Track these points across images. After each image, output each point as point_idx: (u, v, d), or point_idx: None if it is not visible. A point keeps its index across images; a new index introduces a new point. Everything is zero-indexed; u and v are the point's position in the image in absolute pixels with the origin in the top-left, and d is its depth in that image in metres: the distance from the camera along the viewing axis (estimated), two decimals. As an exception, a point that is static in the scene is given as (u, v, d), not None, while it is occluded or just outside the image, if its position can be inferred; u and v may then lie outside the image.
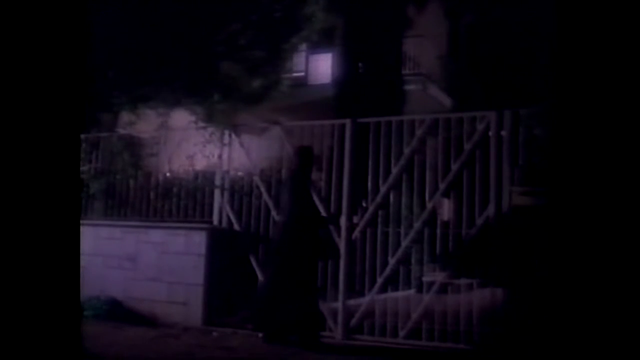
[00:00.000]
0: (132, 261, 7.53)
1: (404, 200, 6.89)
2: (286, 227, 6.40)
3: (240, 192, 7.56)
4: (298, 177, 6.55)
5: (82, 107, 3.40)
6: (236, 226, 7.49)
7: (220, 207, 7.62)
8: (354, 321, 6.67)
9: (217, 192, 7.66)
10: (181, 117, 7.85)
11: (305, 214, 6.40)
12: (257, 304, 6.44)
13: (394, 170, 6.77)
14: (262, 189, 7.39)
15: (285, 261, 6.25)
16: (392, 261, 6.65)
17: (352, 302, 6.77)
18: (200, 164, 7.91)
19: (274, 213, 7.23)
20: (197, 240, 7.26)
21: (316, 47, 12.63)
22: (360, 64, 13.29)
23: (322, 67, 14.38)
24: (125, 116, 7.99)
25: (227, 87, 7.50)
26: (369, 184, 6.82)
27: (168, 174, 8.09)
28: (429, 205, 6.60)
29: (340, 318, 6.67)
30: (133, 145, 8.31)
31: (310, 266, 6.32)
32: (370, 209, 6.81)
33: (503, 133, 6.33)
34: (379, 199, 6.79)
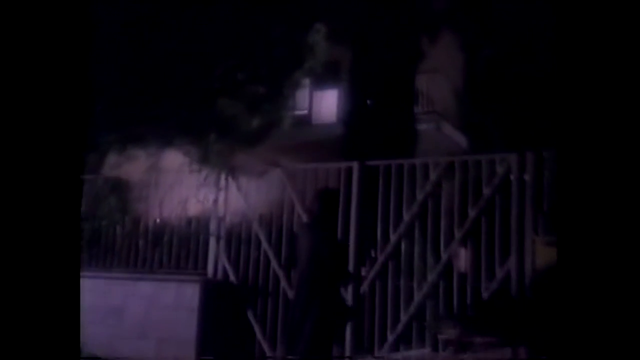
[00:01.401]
0: (118, 316, 7.32)
1: (416, 249, 6.69)
2: (305, 281, 5.53)
3: (237, 241, 7.41)
4: (321, 224, 5.73)
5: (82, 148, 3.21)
6: (232, 278, 7.34)
7: (216, 257, 7.48)
8: (362, 383, 6.51)
9: (212, 241, 7.53)
10: (173, 158, 7.82)
11: (330, 267, 5.54)
12: None
13: (406, 216, 6.66)
14: (262, 237, 7.28)
15: (304, 324, 5.37)
16: (404, 317, 6.48)
17: (360, 361, 6.55)
18: (194, 210, 7.79)
19: (274, 263, 7.10)
20: (190, 293, 7.11)
21: (321, 82, 12.72)
22: (368, 101, 13.18)
23: (327, 104, 14.37)
24: (112, 156, 7.94)
25: (224, 126, 7.42)
26: (379, 232, 6.72)
27: (158, 220, 7.98)
28: (444, 256, 6.45)
29: (347, 380, 6.51)
30: (120, 188, 8.23)
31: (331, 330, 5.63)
32: (380, 259, 6.67)
33: (526, 177, 6.25)
34: (389, 248, 6.66)
